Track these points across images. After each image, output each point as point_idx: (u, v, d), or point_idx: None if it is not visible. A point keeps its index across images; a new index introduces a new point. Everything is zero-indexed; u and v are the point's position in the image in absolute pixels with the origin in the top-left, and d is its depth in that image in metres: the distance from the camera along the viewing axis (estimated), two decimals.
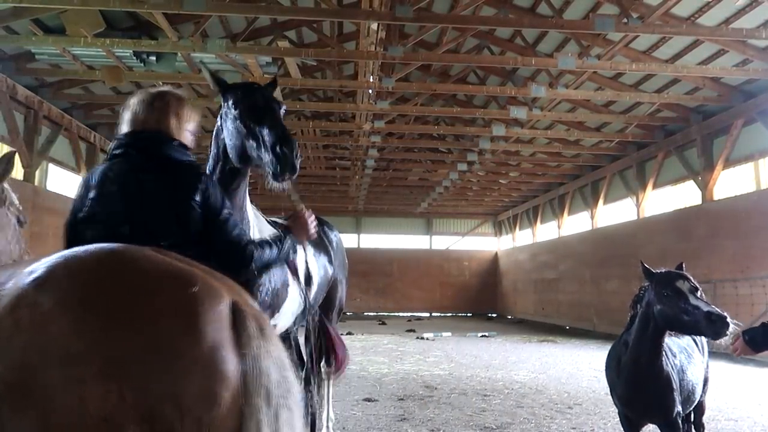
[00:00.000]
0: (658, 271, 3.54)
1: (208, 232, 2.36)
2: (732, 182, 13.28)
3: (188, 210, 2.30)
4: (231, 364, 1.47)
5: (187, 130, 2.53)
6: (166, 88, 2.66)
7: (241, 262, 2.46)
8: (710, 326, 3.15)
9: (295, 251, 3.01)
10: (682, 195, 15.27)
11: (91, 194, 2.31)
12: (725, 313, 3.15)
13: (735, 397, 7.55)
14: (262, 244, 2.62)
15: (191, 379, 1.41)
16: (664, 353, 3.49)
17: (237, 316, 1.57)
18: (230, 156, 3.11)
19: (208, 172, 3.08)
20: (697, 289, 3.36)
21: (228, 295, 1.61)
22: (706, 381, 4.18)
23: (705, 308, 3.21)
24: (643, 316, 3.51)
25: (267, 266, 2.72)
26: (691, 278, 3.43)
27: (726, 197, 12.99)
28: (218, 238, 2.40)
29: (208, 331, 1.48)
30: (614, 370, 3.71)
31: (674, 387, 3.51)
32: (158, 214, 2.26)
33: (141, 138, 2.40)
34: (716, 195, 13.37)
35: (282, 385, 1.58)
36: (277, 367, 1.59)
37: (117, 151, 2.39)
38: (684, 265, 3.63)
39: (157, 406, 1.35)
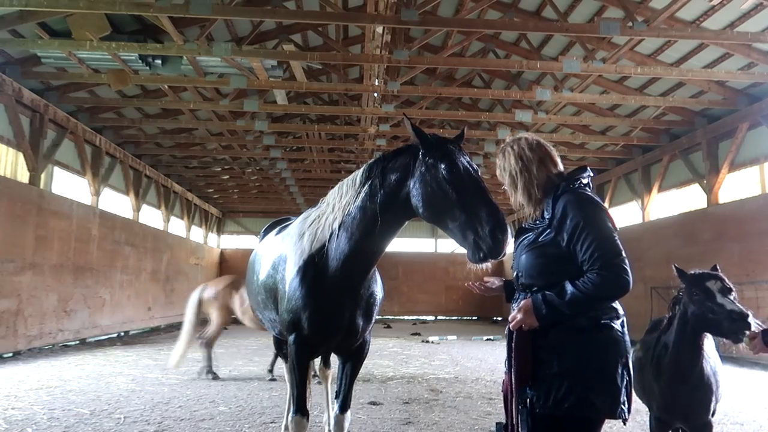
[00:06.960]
0: (692, 272, 3.47)
1: None
2: (737, 186, 13.24)
3: None
4: None
5: None
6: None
7: None
8: (731, 325, 3.07)
9: None
10: (688, 198, 15.21)
11: None
12: (749, 312, 3.06)
13: (741, 400, 7.51)
14: None
15: None
16: (703, 355, 3.42)
17: None
18: (417, 208, 3.17)
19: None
20: (729, 290, 3.27)
21: None
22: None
23: (729, 306, 3.14)
24: (680, 318, 3.44)
25: None
26: (725, 279, 3.34)
27: (731, 201, 12.93)
28: None
29: None
30: (651, 372, 3.61)
31: (713, 389, 3.47)
32: None
33: None
34: (721, 198, 13.33)
35: None
36: None
37: None
38: (719, 266, 3.52)
39: None
